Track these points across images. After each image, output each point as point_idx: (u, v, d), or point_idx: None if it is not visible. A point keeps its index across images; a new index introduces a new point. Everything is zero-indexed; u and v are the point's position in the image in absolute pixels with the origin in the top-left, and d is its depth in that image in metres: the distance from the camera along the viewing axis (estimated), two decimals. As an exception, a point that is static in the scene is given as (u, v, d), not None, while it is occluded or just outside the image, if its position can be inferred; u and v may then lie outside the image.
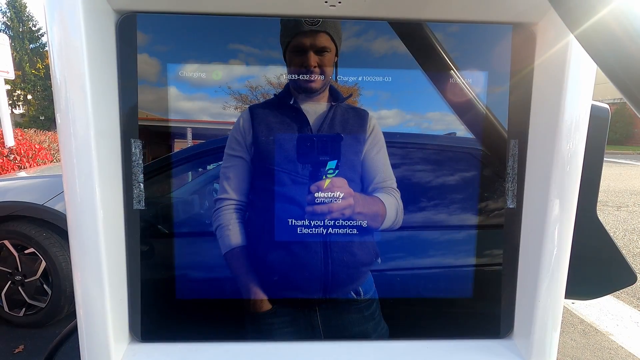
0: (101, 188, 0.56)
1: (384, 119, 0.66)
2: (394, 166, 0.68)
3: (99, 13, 0.55)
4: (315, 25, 0.63)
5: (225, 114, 0.64)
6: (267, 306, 0.69)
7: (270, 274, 0.68)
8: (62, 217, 2.63)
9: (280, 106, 0.65)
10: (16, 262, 2.73)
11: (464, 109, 0.65)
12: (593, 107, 0.63)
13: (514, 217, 0.66)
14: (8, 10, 23.11)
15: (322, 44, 0.64)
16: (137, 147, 0.62)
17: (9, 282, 2.75)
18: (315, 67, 0.64)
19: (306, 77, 0.65)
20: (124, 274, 0.63)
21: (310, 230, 0.67)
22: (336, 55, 0.65)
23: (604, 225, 0.78)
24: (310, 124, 0.66)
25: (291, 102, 0.66)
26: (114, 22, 0.58)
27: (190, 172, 0.68)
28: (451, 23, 0.62)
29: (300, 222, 0.67)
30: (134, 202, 0.63)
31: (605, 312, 3.27)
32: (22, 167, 5.59)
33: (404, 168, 0.68)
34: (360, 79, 0.65)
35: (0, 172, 5.32)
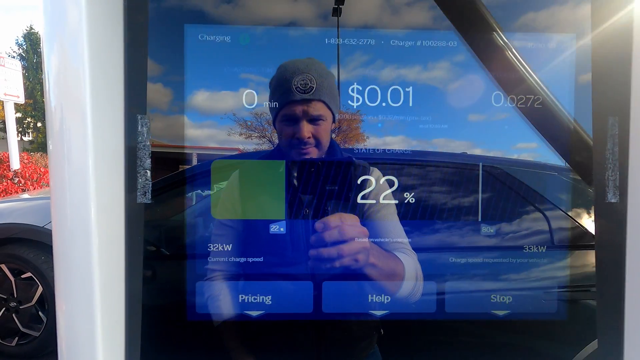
0: (97, 174, 0.43)
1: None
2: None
3: None
4: (309, 92, 0.56)
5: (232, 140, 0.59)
6: None
7: (262, 345, 0.60)
8: (62, 239, 2.51)
9: (270, 166, 0.58)
10: (12, 287, 2.58)
11: (540, 81, 0.53)
12: None
13: (616, 215, 0.52)
14: (24, 43, 24.07)
15: (317, 112, 0.57)
16: (144, 125, 0.51)
17: (3, 308, 2.60)
18: (309, 137, 0.57)
19: (299, 147, 0.57)
20: (121, 297, 0.50)
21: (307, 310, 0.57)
22: (333, 122, 0.58)
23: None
24: (303, 184, 0.58)
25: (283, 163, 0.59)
26: None
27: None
28: None
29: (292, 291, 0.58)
30: (138, 193, 0.51)
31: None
32: (26, 190, 5.53)
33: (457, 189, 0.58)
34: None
35: (5, 195, 5.25)
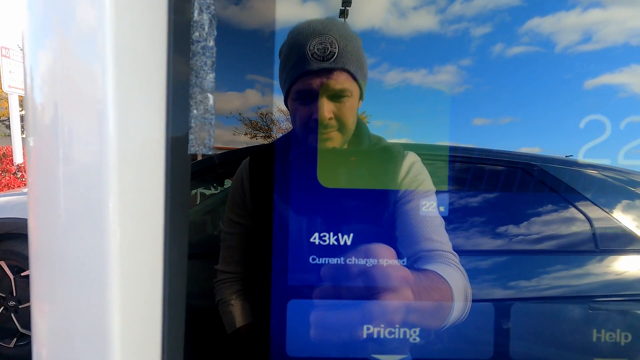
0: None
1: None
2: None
3: None
4: (329, 60, 0.43)
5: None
6: None
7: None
8: (63, 236, 2.39)
9: (284, 156, 0.46)
10: (11, 285, 2.47)
11: None
12: None
13: None
14: (30, 40, 24.23)
15: (341, 85, 0.44)
16: (205, 10, 0.29)
17: (2, 307, 2.49)
18: (330, 119, 0.44)
19: (317, 132, 0.44)
20: (158, 300, 0.33)
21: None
22: (361, 98, 0.45)
23: None
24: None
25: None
26: None
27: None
28: None
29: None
30: (190, 138, 0.30)
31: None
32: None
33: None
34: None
35: (7, 190, 5.17)
